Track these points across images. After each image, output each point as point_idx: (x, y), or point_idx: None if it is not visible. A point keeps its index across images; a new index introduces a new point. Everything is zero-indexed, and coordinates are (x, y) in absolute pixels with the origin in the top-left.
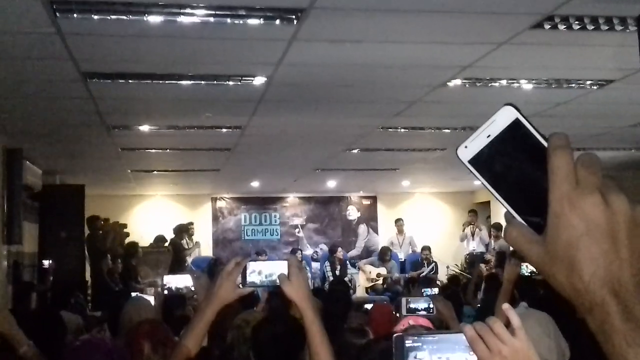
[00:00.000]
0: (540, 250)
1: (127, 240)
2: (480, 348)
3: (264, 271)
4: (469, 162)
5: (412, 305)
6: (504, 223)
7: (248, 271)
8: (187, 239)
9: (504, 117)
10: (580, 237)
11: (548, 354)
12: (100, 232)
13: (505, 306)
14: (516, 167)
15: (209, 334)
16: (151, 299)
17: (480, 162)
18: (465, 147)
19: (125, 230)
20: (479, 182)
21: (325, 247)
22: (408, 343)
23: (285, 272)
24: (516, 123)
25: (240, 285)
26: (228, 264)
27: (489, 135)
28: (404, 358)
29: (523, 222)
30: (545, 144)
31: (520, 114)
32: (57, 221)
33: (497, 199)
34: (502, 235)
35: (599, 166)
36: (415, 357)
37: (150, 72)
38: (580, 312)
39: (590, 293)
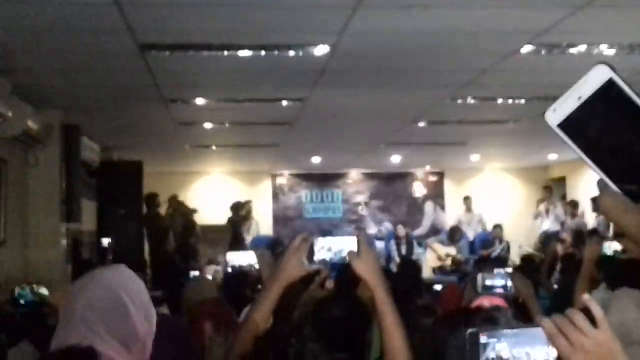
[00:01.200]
0: (636, 219)
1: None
2: (561, 343)
3: (333, 248)
4: (559, 126)
5: (488, 282)
6: (581, 199)
7: (316, 247)
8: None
9: (597, 77)
10: None
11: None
12: (162, 209)
13: (585, 297)
14: (610, 131)
15: (273, 314)
16: (210, 278)
17: (571, 126)
18: (554, 110)
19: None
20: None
21: (389, 226)
22: (483, 339)
23: (354, 248)
24: (610, 83)
25: (307, 262)
26: (295, 239)
27: (580, 97)
28: (479, 355)
29: (618, 190)
30: None
31: (615, 73)
32: (115, 198)
33: (589, 165)
34: (598, 204)
35: None
36: (493, 350)
37: (208, 43)
38: None
39: None
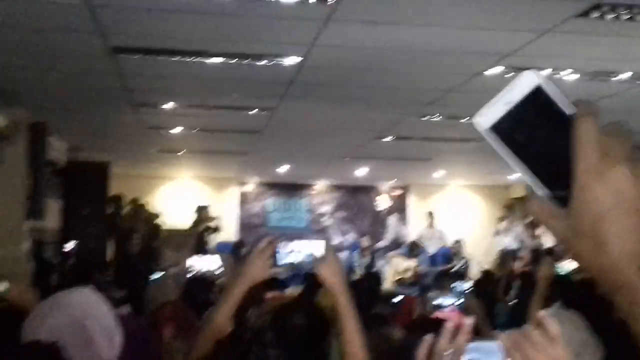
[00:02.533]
0: (564, 224)
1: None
2: (516, 358)
3: (302, 251)
4: (487, 130)
5: (437, 302)
6: None
7: (285, 250)
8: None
9: (525, 83)
10: (607, 210)
11: (581, 348)
12: (126, 210)
13: (541, 314)
14: (538, 137)
15: (234, 316)
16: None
17: (499, 131)
18: (482, 115)
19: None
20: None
21: (353, 237)
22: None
23: (321, 253)
24: (538, 90)
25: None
26: (261, 242)
27: (508, 102)
28: None
29: (546, 195)
30: (569, 112)
31: (543, 80)
32: (81, 198)
33: (518, 171)
34: (526, 208)
35: (628, 136)
36: None
37: (180, 49)
38: (607, 291)
39: (617, 270)
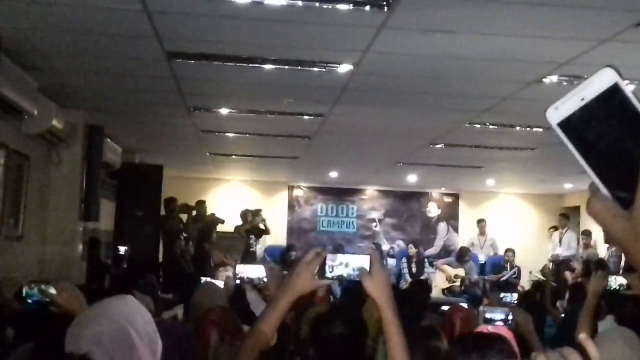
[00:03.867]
0: (625, 225)
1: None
2: None
3: (350, 264)
4: (558, 124)
5: (488, 315)
6: (594, 229)
7: (334, 263)
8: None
9: (602, 80)
10: None
11: None
12: (177, 213)
13: (582, 337)
14: (609, 136)
15: (280, 327)
16: (221, 284)
17: (571, 126)
18: (556, 108)
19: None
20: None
21: (402, 244)
22: None
23: (367, 266)
24: (615, 88)
25: (318, 277)
26: (307, 253)
27: (583, 99)
28: None
29: (609, 195)
30: None
31: (621, 78)
32: (134, 200)
33: (584, 167)
34: (586, 207)
35: None
36: None
37: (234, 55)
38: None
39: None
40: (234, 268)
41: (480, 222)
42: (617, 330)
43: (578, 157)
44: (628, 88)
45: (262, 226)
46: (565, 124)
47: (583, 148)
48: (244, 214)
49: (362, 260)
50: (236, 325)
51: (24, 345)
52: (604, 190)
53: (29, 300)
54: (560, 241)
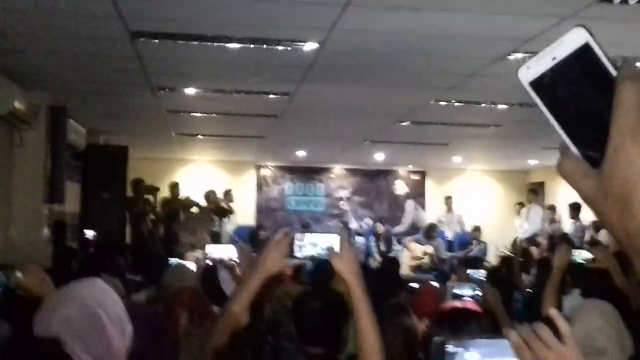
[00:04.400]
0: (594, 185)
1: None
2: (525, 355)
3: (319, 244)
4: (530, 84)
5: (457, 291)
6: (559, 205)
7: (303, 243)
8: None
9: (574, 40)
10: (639, 174)
11: (607, 342)
12: (145, 195)
13: (553, 312)
14: (579, 95)
15: (251, 307)
16: (191, 266)
17: (542, 85)
18: (528, 67)
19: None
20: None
21: (370, 222)
22: (450, 348)
23: (336, 245)
24: (586, 47)
25: (287, 257)
26: (276, 234)
27: (554, 58)
28: None
29: (579, 154)
30: (615, 73)
31: (592, 37)
32: (100, 182)
33: (554, 127)
34: (556, 167)
35: None
36: (463, 359)
37: (198, 34)
38: (629, 255)
39: None
40: (203, 248)
41: (447, 199)
42: (594, 302)
43: (549, 116)
44: (599, 47)
45: (224, 206)
46: (536, 84)
47: (554, 108)
48: (207, 195)
49: (331, 240)
50: (206, 307)
51: None
52: (574, 149)
53: None
54: (527, 216)
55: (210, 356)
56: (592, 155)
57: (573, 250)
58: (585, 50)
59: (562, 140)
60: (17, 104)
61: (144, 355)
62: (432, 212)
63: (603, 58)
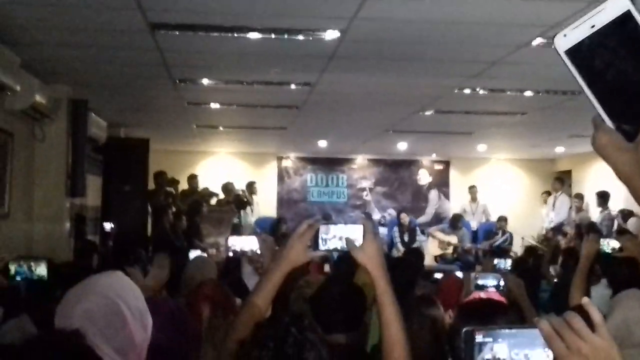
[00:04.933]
0: (629, 158)
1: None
2: (557, 345)
3: (344, 236)
4: (566, 52)
5: (480, 282)
6: (586, 193)
7: (328, 236)
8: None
9: (615, 7)
10: None
11: None
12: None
13: (585, 300)
14: (617, 66)
15: (274, 299)
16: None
17: (578, 54)
18: (565, 35)
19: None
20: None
21: (393, 212)
22: (478, 339)
23: (360, 236)
24: (627, 15)
25: (311, 249)
26: (300, 225)
27: (593, 26)
28: (474, 354)
29: (614, 127)
30: None
31: (634, 6)
32: (121, 175)
33: (589, 97)
34: (591, 141)
35: None
36: (492, 350)
37: (219, 24)
38: None
39: None
40: (226, 241)
41: (472, 188)
42: (634, 292)
43: (584, 86)
44: None
45: (244, 197)
46: (572, 52)
47: (590, 77)
48: (225, 187)
49: (356, 232)
50: (228, 299)
51: (18, 318)
52: (609, 122)
53: (18, 278)
54: (553, 205)
55: (234, 349)
56: (627, 129)
57: (601, 239)
58: (626, 19)
59: (597, 112)
60: (38, 98)
61: (168, 348)
62: (456, 202)
63: None
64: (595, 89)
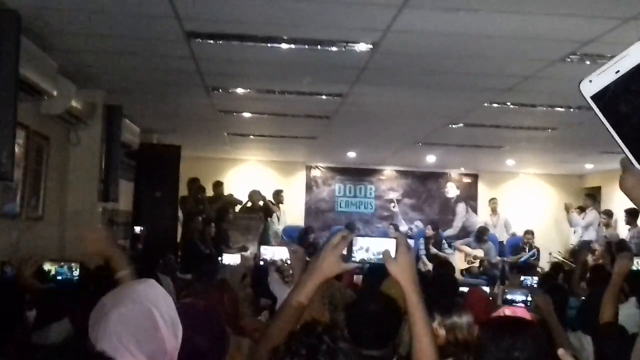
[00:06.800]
0: None
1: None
2: None
3: (372, 248)
4: (592, 97)
5: (509, 297)
6: (615, 210)
7: (355, 247)
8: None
9: (638, 53)
10: None
11: None
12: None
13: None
14: None
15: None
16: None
17: (604, 99)
18: (590, 81)
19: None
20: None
21: (420, 224)
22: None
23: (392, 249)
24: None
25: (344, 261)
26: (334, 237)
27: (618, 71)
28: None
29: None
30: None
31: None
32: (153, 180)
33: (616, 141)
34: (619, 182)
35: None
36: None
37: (253, 34)
38: None
39: None
40: (258, 249)
41: (491, 200)
42: None
43: (611, 130)
44: None
45: (270, 205)
46: (599, 97)
47: (616, 121)
48: (251, 195)
49: (384, 244)
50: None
51: (57, 324)
52: (636, 164)
53: (59, 277)
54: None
55: (266, 358)
56: None
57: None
58: None
59: (624, 155)
60: (74, 103)
61: (202, 353)
62: (484, 216)
63: None
64: (622, 132)
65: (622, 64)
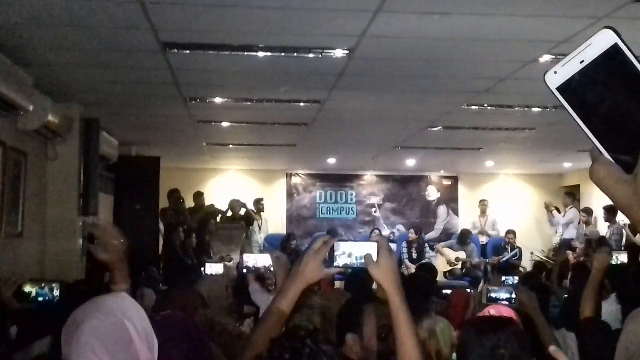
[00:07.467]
0: (628, 190)
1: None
2: None
3: (354, 253)
4: (557, 89)
5: (493, 295)
6: (594, 207)
7: (337, 252)
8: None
9: (601, 42)
10: None
11: None
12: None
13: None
14: (610, 98)
15: (290, 314)
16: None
17: (570, 90)
18: (555, 72)
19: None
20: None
21: (402, 228)
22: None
23: (374, 253)
24: (614, 49)
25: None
26: (315, 242)
27: (582, 61)
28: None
29: (611, 159)
30: None
31: (620, 39)
32: (132, 193)
33: (584, 132)
34: (589, 173)
35: None
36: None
37: (229, 43)
38: None
39: None
40: (240, 258)
41: (482, 202)
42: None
43: (578, 121)
44: (628, 48)
45: (250, 214)
46: (564, 88)
47: (583, 112)
48: (231, 204)
49: (366, 248)
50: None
51: (39, 342)
52: (605, 154)
53: (40, 299)
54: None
55: None
56: (624, 160)
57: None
58: (614, 52)
59: (593, 145)
60: (51, 117)
61: None
62: (465, 218)
63: (633, 59)
64: (590, 122)
65: (585, 54)
